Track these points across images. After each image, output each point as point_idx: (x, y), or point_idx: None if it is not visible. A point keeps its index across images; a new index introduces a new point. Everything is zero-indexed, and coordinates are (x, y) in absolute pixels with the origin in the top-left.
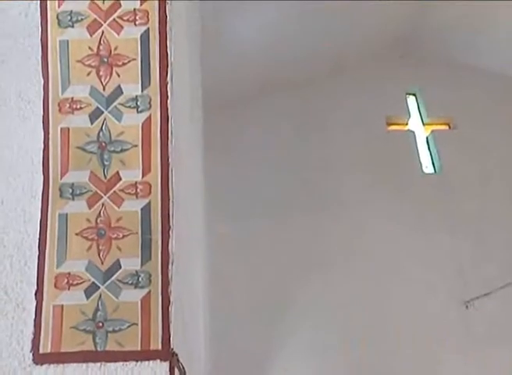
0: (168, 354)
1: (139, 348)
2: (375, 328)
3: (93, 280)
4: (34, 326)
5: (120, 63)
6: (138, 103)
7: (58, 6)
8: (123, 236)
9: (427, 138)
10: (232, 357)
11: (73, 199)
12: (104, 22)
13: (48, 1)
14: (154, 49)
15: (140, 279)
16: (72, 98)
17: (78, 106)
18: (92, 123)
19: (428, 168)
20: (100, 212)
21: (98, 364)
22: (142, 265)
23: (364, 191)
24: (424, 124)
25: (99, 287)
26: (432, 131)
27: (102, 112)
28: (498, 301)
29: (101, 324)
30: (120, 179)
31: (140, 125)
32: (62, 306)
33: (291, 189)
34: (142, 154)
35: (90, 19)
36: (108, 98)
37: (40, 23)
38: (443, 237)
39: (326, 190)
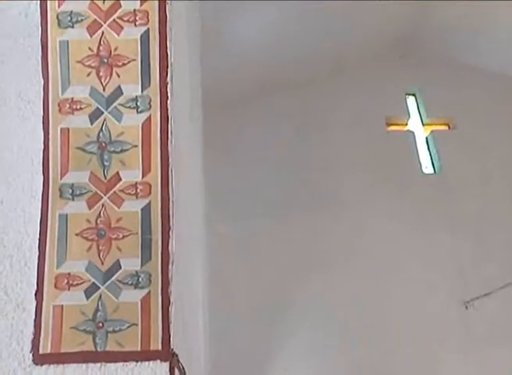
0: (168, 354)
1: (139, 349)
2: (375, 328)
3: (93, 280)
4: (34, 326)
5: (120, 64)
6: (138, 103)
7: (58, 6)
8: (123, 236)
9: (426, 138)
10: (232, 357)
11: (73, 200)
12: (104, 22)
13: (48, 2)
14: (154, 50)
15: (140, 279)
16: (72, 99)
17: (78, 107)
18: (92, 124)
19: (427, 168)
20: (100, 213)
21: (98, 364)
22: (142, 265)
23: (364, 191)
24: (423, 124)
25: (99, 288)
26: (432, 131)
27: (102, 113)
28: (498, 302)
29: (101, 324)
30: (120, 179)
31: (140, 125)
32: (62, 306)
33: (291, 189)
34: (142, 154)
35: (90, 19)
36: (108, 99)
37: (40, 23)
38: (443, 237)
39: (326, 190)
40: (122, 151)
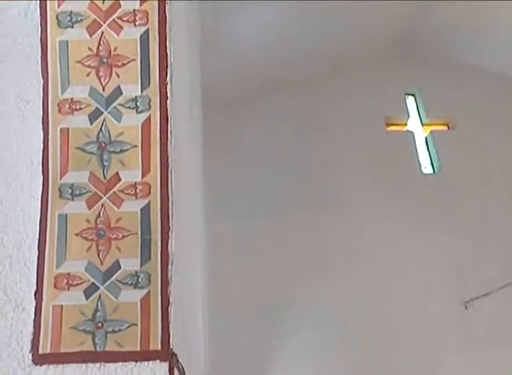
0: (167, 354)
1: (138, 349)
2: (375, 328)
3: (92, 280)
4: (34, 326)
5: (120, 64)
6: (138, 104)
7: (58, 6)
8: (123, 236)
9: (426, 139)
10: (232, 357)
11: (73, 200)
12: (104, 22)
13: (48, 1)
14: (153, 50)
15: (139, 279)
16: (71, 99)
17: (78, 107)
18: (92, 124)
19: (427, 168)
20: (99, 213)
21: (98, 364)
22: (141, 265)
23: (363, 191)
24: (423, 124)
25: (99, 288)
26: (431, 132)
27: (102, 113)
28: (497, 302)
29: (100, 324)
30: (120, 179)
31: (140, 125)
32: (62, 306)
33: (291, 189)
34: (142, 154)
35: (90, 19)
36: (107, 99)
37: (39, 23)
38: (443, 237)
39: (326, 190)
40: (121, 151)
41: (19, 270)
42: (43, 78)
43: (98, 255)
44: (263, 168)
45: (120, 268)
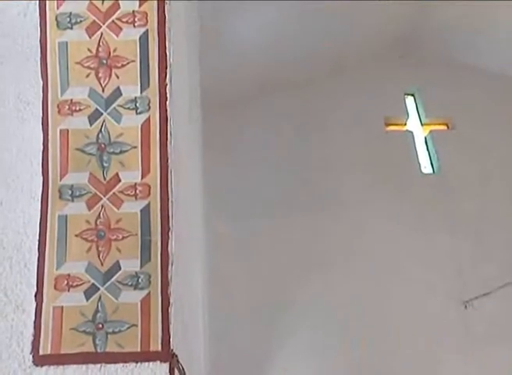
0: (168, 355)
1: (139, 350)
2: (375, 328)
3: (92, 281)
4: (34, 327)
5: (119, 65)
6: (137, 104)
7: (57, 8)
8: (123, 237)
9: (425, 138)
10: (232, 357)
11: (73, 201)
12: (103, 23)
13: (47, 2)
14: (153, 51)
15: (139, 280)
16: (71, 100)
17: (77, 108)
18: (91, 125)
19: (426, 168)
20: (99, 214)
21: (98, 365)
22: (142, 266)
23: (363, 191)
24: (422, 124)
25: (99, 289)
26: (431, 131)
27: (101, 114)
28: (497, 301)
29: (100, 325)
30: (119, 180)
31: (140, 126)
32: (62, 308)
33: (291, 189)
34: (141, 155)
35: (89, 20)
36: (107, 100)
37: (39, 24)
38: (443, 237)
39: (326, 190)
40: (121, 152)
41: (19, 272)
42: (42, 79)
43: (98, 256)
44: (263, 168)
45: (120, 269)
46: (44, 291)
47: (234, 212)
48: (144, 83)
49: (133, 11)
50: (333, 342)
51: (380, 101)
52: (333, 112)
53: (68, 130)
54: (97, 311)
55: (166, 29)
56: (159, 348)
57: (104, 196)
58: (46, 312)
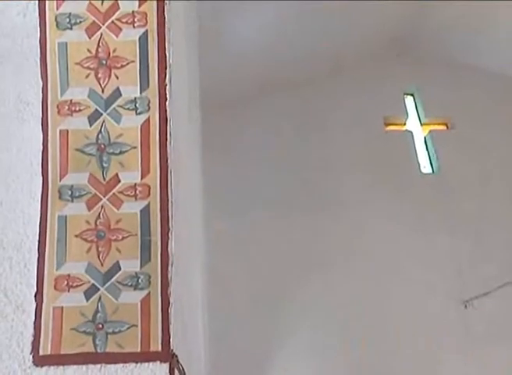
0: (168, 355)
1: (139, 350)
2: (375, 328)
3: (92, 281)
4: (34, 328)
5: (119, 65)
6: (137, 105)
7: (57, 8)
8: (123, 238)
9: (425, 138)
10: (232, 357)
11: (72, 201)
12: (103, 24)
13: (47, 2)
14: (152, 51)
15: (139, 280)
16: (71, 101)
17: (77, 108)
18: (91, 125)
19: (426, 168)
20: (99, 214)
21: (98, 366)
22: (141, 266)
23: (363, 190)
24: (422, 124)
25: (99, 289)
26: (430, 131)
27: (101, 114)
28: (497, 301)
29: (100, 326)
30: (119, 181)
31: (139, 127)
32: (62, 308)
33: (291, 189)
34: (141, 156)
35: (89, 21)
36: (106, 100)
37: (38, 24)
38: (442, 237)
39: (326, 190)
40: (121, 152)
41: (19, 272)
42: (42, 80)
43: (98, 257)
44: (263, 168)
45: (120, 269)
46: (44, 291)
47: (234, 212)
48: (144, 84)
49: (133, 11)
50: (333, 342)
51: (379, 101)
52: (333, 112)
53: (68, 131)
54: (97, 311)
55: (166, 29)
56: (159, 349)
57: (104, 196)
58: (46, 312)
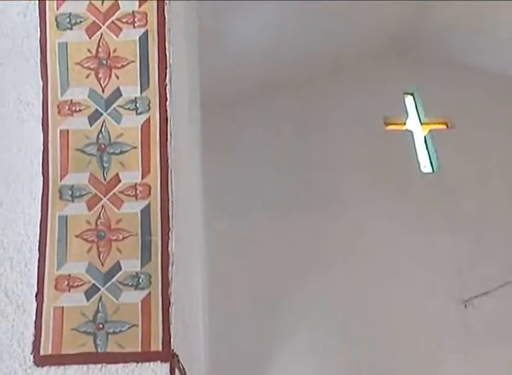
0: (168, 355)
1: (139, 350)
2: (375, 328)
3: (93, 281)
4: (35, 328)
5: (119, 65)
6: (137, 105)
7: (57, 8)
8: (123, 238)
9: (425, 138)
10: (232, 357)
11: (73, 201)
12: (103, 24)
13: (47, 2)
14: (152, 51)
15: (140, 280)
16: (71, 101)
17: (77, 108)
18: (91, 125)
19: (426, 167)
20: (100, 214)
21: (99, 365)
22: (142, 266)
23: (363, 190)
24: (422, 124)
25: (99, 289)
26: (430, 131)
27: (101, 114)
28: (497, 300)
29: (101, 326)
30: (120, 181)
31: (140, 127)
32: (63, 308)
33: (291, 189)
34: (141, 156)
35: (89, 21)
36: (107, 100)
37: (38, 24)
38: (442, 236)
39: (326, 190)
40: (121, 152)
41: (19, 272)
42: (42, 80)
43: (99, 257)
44: (263, 168)
45: (121, 269)
46: (45, 291)
47: (234, 212)
48: (144, 84)
49: (133, 11)
50: (333, 342)
51: (379, 100)
52: (333, 112)
53: (68, 131)
54: (97, 311)
55: (166, 29)
56: (160, 348)
57: (105, 196)
58: (47, 312)
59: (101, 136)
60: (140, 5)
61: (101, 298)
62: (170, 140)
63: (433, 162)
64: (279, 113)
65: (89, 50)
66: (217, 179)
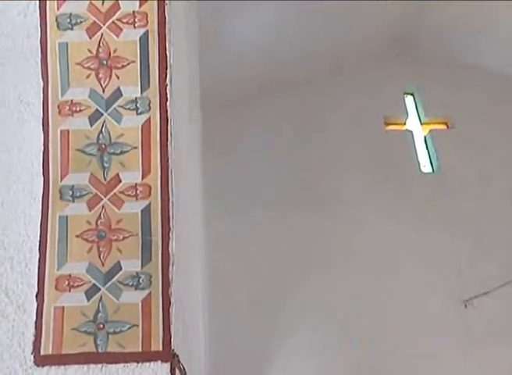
0: (169, 355)
1: (140, 350)
2: (375, 328)
3: (93, 281)
4: (35, 328)
5: (119, 65)
6: (138, 105)
7: (58, 9)
8: (123, 238)
9: (425, 138)
10: (232, 357)
11: (73, 201)
12: (104, 24)
13: (48, 2)
14: (153, 51)
15: (140, 280)
16: (71, 101)
17: (78, 108)
18: (92, 126)
19: (426, 167)
20: (100, 214)
21: (99, 365)
22: (142, 266)
23: (363, 190)
24: (422, 123)
25: (100, 289)
26: (430, 131)
27: (102, 115)
28: (497, 300)
29: (101, 326)
30: (120, 181)
31: (140, 127)
32: (63, 308)
33: (291, 189)
34: (142, 156)
35: (90, 21)
36: (107, 101)
37: (39, 24)
38: (442, 236)
39: (326, 189)
40: (121, 152)
41: (20, 272)
42: (43, 80)
43: (99, 257)
44: (263, 168)
45: (121, 269)
46: (45, 291)
47: (234, 212)
48: (145, 84)
49: (134, 11)
50: (333, 342)
51: (379, 100)
52: (333, 112)
53: (68, 131)
54: (98, 311)
55: (166, 29)
56: (160, 348)
57: (105, 196)
58: (47, 312)
59: (101, 136)
60: (140, 6)
61: (101, 298)
62: (170, 140)
63: (433, 162)
64: (279, 113)
65: (89, 50)
66: (217, 179)
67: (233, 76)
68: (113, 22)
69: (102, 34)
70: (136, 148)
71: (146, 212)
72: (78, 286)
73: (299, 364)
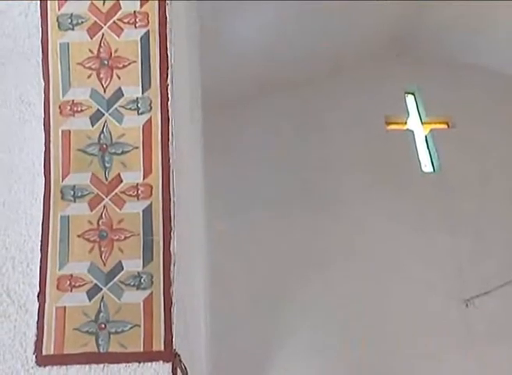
0: (170, 355)
1: (141, 350)
2: (375, 328)
3: (95, 281)
4: (37, 328)
5: (121, 66)
6: (139, 105)
7: (59, 8)
8: (125, 238)
9: (426, 137)
10: (233, 357)
11: (75, 201)
12: (105, 24)
13: (48, 2)
14: (154, 51)
15: (142, 280)
16: (72, 101)
17: (79, 109)
18: (93, 126)
19: (427, 167)
20: (101, 214)
21: (101, 365)
22: (144, 266)
23: (363, 190)
24: (423, 123)
25: (101, 289)
26: (431, 130)
27: (103, 115)
28: (498, 300)
29: (103, 326)
30: (121, 181)
31: (141, 127)
32: (65, 308)
33: (291, 189)
34: (143, 156)
35: (91, 21)
36: (108, 101)
37: (40, 24)
38: (443, 235)
39: (326, 189)
40: (123, 152)
41: (21, 272)
42: (44, 80)
43: (101, 257)
44: (263, 168)
45: (123, 269)
46: (47, 291)
47: (234, 212)
48: (146, 84)
49: (135, 11)
50: (333, 342)
51: (380, 100)
52: (333, 112)
53: (70, 131)
54: (99, 311)
55: (167, 30)
56: (162, 348)
57: (106, 196)
58: (49, 312)
59: (102, 136)
60: (141, 6)
61: (103, 297)
62: (172, 140)
63: (434, 161)
64: (279, 113)
65: (90, 50)
66: (217, 179)
67: (233, 76)
68: (114, 22)
69: (103, 34)
70: (137, 148)
71: (147, 212)
72: (80, 286)
73: (299, 364)
